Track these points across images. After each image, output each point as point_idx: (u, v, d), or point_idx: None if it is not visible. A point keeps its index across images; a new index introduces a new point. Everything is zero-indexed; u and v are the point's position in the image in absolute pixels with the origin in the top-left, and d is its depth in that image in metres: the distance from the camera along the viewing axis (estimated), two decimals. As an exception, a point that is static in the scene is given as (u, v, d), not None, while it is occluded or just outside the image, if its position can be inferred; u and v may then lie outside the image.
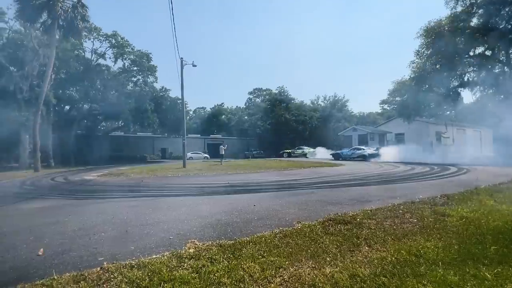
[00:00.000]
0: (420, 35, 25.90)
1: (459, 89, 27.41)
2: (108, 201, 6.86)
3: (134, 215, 5.01)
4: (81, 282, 2.42)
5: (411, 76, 28.34)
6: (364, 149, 25.71)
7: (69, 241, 3.57)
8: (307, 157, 30.22)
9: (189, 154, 32.86)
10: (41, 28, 20.76)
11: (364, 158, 22.90)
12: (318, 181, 10.00)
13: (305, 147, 33.62)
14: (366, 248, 3.23)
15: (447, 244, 3.39)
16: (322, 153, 32.36)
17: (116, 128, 38.73)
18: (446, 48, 23.99)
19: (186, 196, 7.33)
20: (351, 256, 2.99)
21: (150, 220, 4.60)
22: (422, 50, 26.48)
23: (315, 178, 11.13)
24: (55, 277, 2.53)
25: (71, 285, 2.39)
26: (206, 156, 38.32)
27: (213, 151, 39.88)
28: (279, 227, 3.92)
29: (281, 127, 43.15)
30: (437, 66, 25.71)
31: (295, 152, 32.08)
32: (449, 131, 34.31)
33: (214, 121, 58.89)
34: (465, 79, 26.80)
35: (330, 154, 32.40)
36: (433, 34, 24.74)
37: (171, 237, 3.62)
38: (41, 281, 2.47)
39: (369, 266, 2.71)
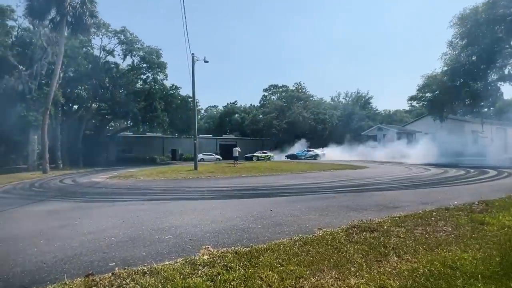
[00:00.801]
0: (454, 23, 25.10)
1: (499, 83, 26.33)
2: (118, 204, 7.05)
3: (145, 219, 5.12)
4: (93, 287, 2.50)
5: (443, 69, 27.50)
6: (314, 150, 32.49)
7: (80, 245, 3.70)
8: (270, 160, 32.87)
9: (200, 156, 33.23)
10: (49, 25, 21.60)
11: (315, 157, 25.61)
12: (339, 185, 9.88)
13: (269, 152, 36.87)
14: (395, 258, 3.16)
15: (487, 256, 3.26)
16: (278, 156, 35.60)
17: (125, 128, 39.68)
18: (483, 38, 23.13)
19: (198, 200, 7.43)
20: (378, 266, 2.93)
21: (162, 224, 4.69)
22: (456, 41, 25.64)
23: (336, 181, 11.01)
24: (67, 282, 2.63)
25: (83, 290, 2.48)
26: (218, 158, 38.64)
27: (226, 152, 40.14)
28: (299, 234, 3.90)
29: (299, 126, 42.90)
30: (473, 58, 24.80)
31: (262, 156, 34.25)
32: (487, 130, 33.03)
33: (226, 121, 59.28)
34: (506, 72, 25.72)
35: (285, 156, 33.40)
36: (469, 23, 23.91)
37: (183, 243, 3.68)
38: (53, 286, 2.57)
39: (398, 278, 2.65)
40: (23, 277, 2.83)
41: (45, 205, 7.24)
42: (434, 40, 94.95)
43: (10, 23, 24.92)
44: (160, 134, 40.89)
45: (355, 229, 4.09)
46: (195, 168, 18.35)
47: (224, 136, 49.45)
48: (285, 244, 3.44)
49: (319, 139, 42.50)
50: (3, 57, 22.92)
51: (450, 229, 4.27)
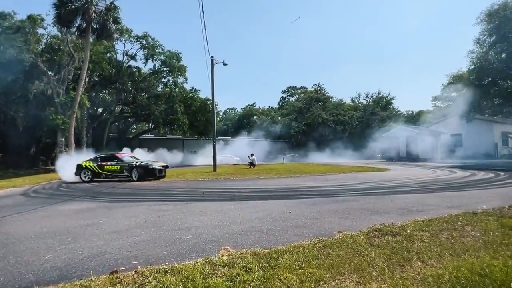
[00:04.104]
0: (481, 20, 24.09)
1: (531, 82, 24.99)
2: (140, 205, 7.25)
3: (166, 219, 5.24)
4: (117, 284, 2.59)
5: (470, 68, 26.42)
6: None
7: (104, 243, 3.83)
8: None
9: (219, 157, 33.56)
10: (76, 32, 22.59)
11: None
12: (360, 187, 9.69)
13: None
14: (419, 263, 3.06)
15: (519, 263, 3.10)
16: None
17: (147, 130, 40.73)
18: (513, 34, 22.06)
19: (218, 201, 7.51)
20: (401, 271, 2.85)
21: (182, 225, 4.78)
22: (484, 38, 24.59)
23: (357, 184, 10.80)
24: (93, 278, 2.74)
25: (108, 287, 2.57)
26: (237, 159, 38.86)
27: (245, 154, 40.31)
28: (318, 237, 3.86)
29: (318, 128, 42.44)
30: (503, 55, 23.69)
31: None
32: (518, 131, 31.35)
33: (245, 123, 59.58)
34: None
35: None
36: (497, 19, 22.88)
37: (203, 243, 3.73)
38: (80, 282, 2.68)
39: (422, 284, 2.57)
40: (53, 272, 2.98)
41: (71, 205, 7.55)
42: (459, 38, 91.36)
43: (40, 31, 26.32)
44: (180, 136, 41.67)
45: (377, 232, 4.00)
46: (214, 169, 18.55)
47: (242, 138, 49.68)
48: (304, 247, 3.41)
49: (338, 141, 41.85)
50: (34, 64, 24.20)
51: (478, 234, 4.09)
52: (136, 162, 14.62)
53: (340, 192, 8.62)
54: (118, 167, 14.41)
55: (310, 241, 3.64)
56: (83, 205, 7.46)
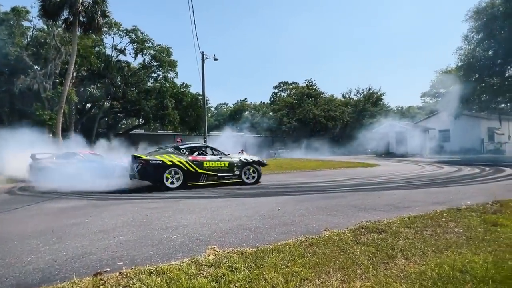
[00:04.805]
0: (470, 17, 24.41)
1: (516, 78, 25.53)
2: (128, 202, 7.18)
3: (154, 218, 5.20)
4: (101, 286, 2.56)
5: (458, 64, 26.81)
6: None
7: (90, 244, 3.78)
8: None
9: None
10: (63, 26, 22.02)
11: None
12: (349, 184, 9.79)
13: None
14: (403, 260, 3.11)
15: (499, 259, 3.18)
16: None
17: (137, 126, 40.28)
18: (500, 32, 22.41)
19: (207, 199, 7.49)
20: (385, 269, 2.90)
21: (170, 223, 4.75)
22: (472, 35, 24.93)
23: (347, 180, 10.91)
24: (76, 280, 2.69)
25: (91, 289, 2.54)
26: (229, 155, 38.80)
27: (236, 150, 40.23)
28: (305, 235, 3.89)
29: (309, 123, 42.63)
30: (490, 53, 24.10)
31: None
32: (504, 126, 32.07)
33: (236, 118, 59.40)
34: (524, 66, 24.90)
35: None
36: (485, 16, 23.21)
37: (190, 242, 3.72)
38: (62, 284, 2.64)
39: (405, 282, 2.61)
40: (35, 274, 2.92)
41: (58, 203, 7.43)
42: (449, 34, 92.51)
43: (25, 23, 25.61)
44: (171, 131, 41.34)
45: (363, 230, 4.05)
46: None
47: (234, 133, 49.55)
48: (291, 245, 3.43)
49: (329, 136, 42.14)
50: (20, 57, 23.56)
51: (461, 230, 4.18)
52: (245, 157, 10.85)
53: (329, 188, 8.69)
54: (226, 163, 10.19)
55: (297, 239, 3.66)
56: (70, 203, 7.35)
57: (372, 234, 3.88)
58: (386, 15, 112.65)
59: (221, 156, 10.30)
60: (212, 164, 9.91)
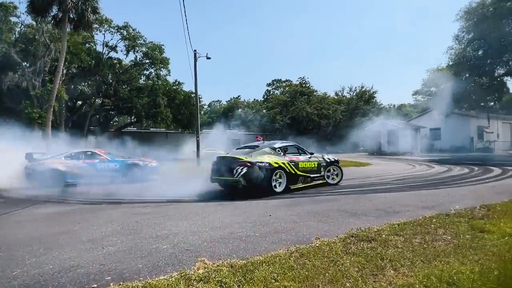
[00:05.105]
0: (460, 17, 24.68)
1: (505, 78, 25.97)
2: (118, 207, 7.09)
3: (144, 225, 5.15)
4: (87, 305, 2.52)
5: (449, 64, 27.13)
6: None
7: (78, 255, 3.72)
8: None
9: (204, 151, 33.25)
10: (52, 22, 21.57)
11: None
12: (341, 185, 9.82)
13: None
14: (392, 271, 3.13)
15: (485, 269, 3.22)
16: None
17: (129, 123, 39.85)
18: (490, 32, 22.70)
19: (198, 202, 7.45)
20: (373, 281, 2.91)
21: (160, 231, 4.71)
22: (462, 34, 25.24)
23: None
24: (62, 298, 2.65)
25: (77, 308, 2.49)
26: (221, 153, 38.67)
27: (230, 148, 40.13)
28: (296, 244, 3.89)
29: (302, 121, 42.74)
30: (479, 53, 24.43)
31: None
32: (492, 125, 32.64)
33: (230, 115, 59.21)
34: (513, 66, 25.32)
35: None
36: (475, 16, 23.49)
37: (180, 253, 3.69)
38: (48, 303, 2.59)
39: (393, 296, 2.63)
40: (20, 291, 2.86)
41: (47, 207, 7.30)
42: (441, 33, 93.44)
43: (13, 19, 24.98)
44: (163, 129, 41.01)
45: (353, 238, 4.07)
46: (198, 165, 18.39)
47: (227, 131, 49.39)
48: (281, 256, 3.43)
49: (322, 134, 42.32)
50: (7, 54, 23.03)
51: (450, 237, 4.23)
52: (327, 157, 10.19)
53: (321, 191, 8.71)
54: (316, 163, 9.55)
55: (287, 250, 3.66)
56: (59, 208, 7.23)
57: (362, 243, 3.90)
58: (379, 14, 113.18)
59: (309, 156, 9.62)
60: (305, 165, 9.23)
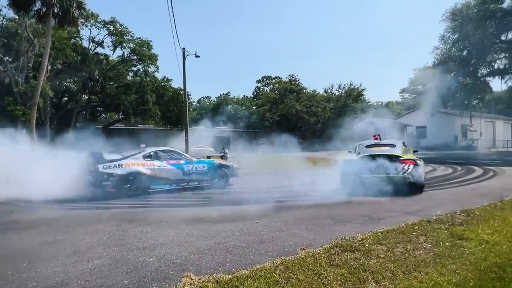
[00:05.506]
0: (446, 18, 25.17)
1: (488, 78, 26.69)
2: (105, 211, 7.00)
3: (131, 234, 5.11)
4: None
5: (435, 63, 27.67)
6: None
7: (63, 270, 3.68)
8: None
9: (193, 148, 33.02)
10: (35, 17, 20.92)
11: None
12: (328, 188, 9.84)
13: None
14: (373, 284, 3.22)
15: (462, 279, 3.34)
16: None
17: (117, 120, 39.23)
18: (474, 33, 23.23)
19: (186, 207, 7.44)
20: (356, 295, 3.00)
21: (147, 241, 4.70)
22: (448, 35, 25.80)
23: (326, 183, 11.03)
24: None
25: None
26: (211, 150, 38.48)
27: (220, 145, 39.98)
28: (281, 255, 3.94)
29: (291, 119, 42.92)
30: (464, 53, 25.00)
31: None
32: (476, 123, 33.51)
33: (219, 112, 58.92)
34: (495, 66, 26.03)
35: None
36: (460, 17, 23.97)
37: (167, 267, 3.69)
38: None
39: (373, 311, 2.71)
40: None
41: (32, 213, 7.13)
42: (428, 32, 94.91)
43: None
44: (152, 126, 40.53)
45: (337, 248, 4.15)
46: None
47: (217, 128, 49.16)
48: (266, 270, 3.47)
49: (312, 132, 42.59)
50: (-13, 49, 22.30)
51: (430, 245, 4.35)
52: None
53: (309, 194, 8.69)
54: None
55: (273, 263, 3.71)
56: (44, 213, 7.06)
57: (345, 253, 3.99)
58: (369, 12, 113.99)
59: None
60: None
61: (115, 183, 8.33)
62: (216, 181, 10.19)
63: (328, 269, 3.53)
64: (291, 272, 3.44)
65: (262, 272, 3.43)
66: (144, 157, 9.27)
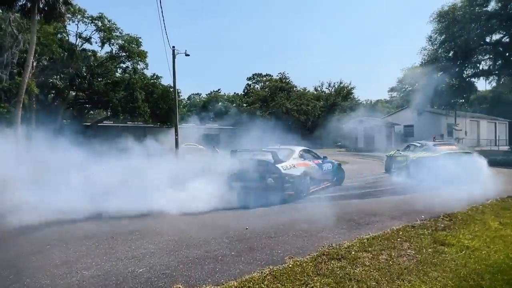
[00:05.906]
0: (433, 19, 25.53)
1: (473, 79, 27.32)
2: (93, 217, 6.90)
3: (120, 242, 5.09)
4: None
5: (422, 63, 28.10)
6: None
7: (51, 283, 3.66)
8: None
9: (183, 146, 32.77)
10: (20, 12, 20.34)
11: None
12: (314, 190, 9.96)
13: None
14: (358, 294, 3.32)
15: (443, 287, 3.47)
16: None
17: (105, 118, 38.64)
18: (460, 35, 23.70)
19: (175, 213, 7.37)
20: (341, 306, 3.09)
21: (137, 250, 4.70)
22: (435, 36, 26.17)
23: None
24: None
25: None
26: (201, 148, 38.27)
27: (210, 143, 39.79)
28: (270, 265, 4.01)
29: (282, 117, 43.04)
30: (450, 54, 25.49)
31: None
32: (461, 123, 34.30)
33: (210, 109, 58.62)
34: (480, 67, 26.65)
35: None
36: (447, 19, 24.38)
37: (156, 278, 3.72)
38: None
39: (357, 323, 2.81)
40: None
41: (20, 217, 6.91)
42: (416, 33, 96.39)
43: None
44: (141, 123, 40.02)
45: (324, 257, 4.24)
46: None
47: (207, 125, 48.90)
48: (254, 281, 3.53)
49: (302, 131, 42.80)
50: (-30, 45, 21.61)
51: (413, 252, 4.48)
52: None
53: (299, 196, 8.77)
54: None
55: (261, 273, 3.77)
56: (32, 218, 6.87)
57: (332, 261, 4.07)
58: (359, 12, 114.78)
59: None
60: None
61: (294, 185, 8.02)
62: (335, 180, 10.49)
63: (315, 278, 3.62)
64: (279, 283, 3.51)
65: (251, 283, 3.49)
66: (300, 157, 9.12)
